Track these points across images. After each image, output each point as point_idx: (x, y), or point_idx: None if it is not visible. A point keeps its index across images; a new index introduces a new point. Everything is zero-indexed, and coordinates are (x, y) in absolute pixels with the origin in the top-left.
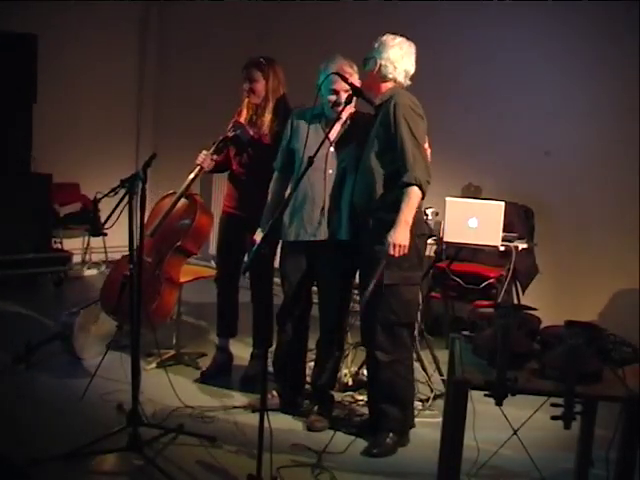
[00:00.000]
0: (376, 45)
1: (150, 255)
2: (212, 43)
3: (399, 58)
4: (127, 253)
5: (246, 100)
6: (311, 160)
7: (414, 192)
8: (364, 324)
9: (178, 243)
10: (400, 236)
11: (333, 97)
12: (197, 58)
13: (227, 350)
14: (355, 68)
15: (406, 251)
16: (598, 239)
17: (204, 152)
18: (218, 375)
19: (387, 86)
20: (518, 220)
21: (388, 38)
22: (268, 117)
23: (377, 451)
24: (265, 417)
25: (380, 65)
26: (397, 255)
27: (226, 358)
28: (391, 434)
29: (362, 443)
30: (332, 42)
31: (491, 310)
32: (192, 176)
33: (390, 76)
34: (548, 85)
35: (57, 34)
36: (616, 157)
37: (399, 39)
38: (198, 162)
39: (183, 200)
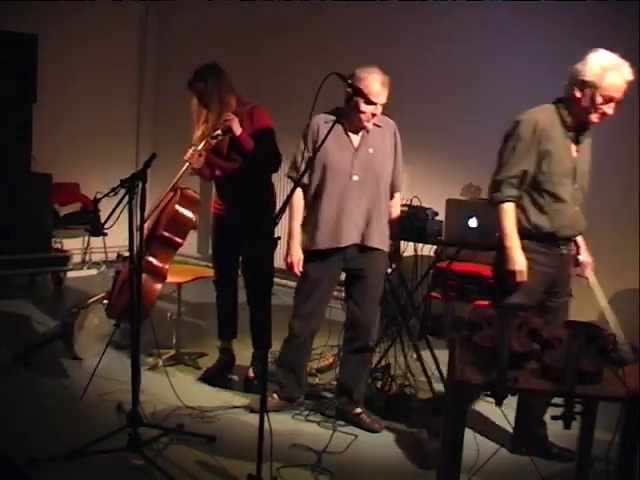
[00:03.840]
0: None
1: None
2: (212, 43)
3: None
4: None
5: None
6: (311, 160)
7: None
8: None
9: (157, 233)
10: None
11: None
12: (197, 57)
13: (230, 351)
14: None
15: None
16: (598, 239)
17: (192, 148)
18: (221, 375)
19: None
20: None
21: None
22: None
23: None
24: (265, 417)
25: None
26: None
27: (229, 359)
28: None
29: (362, 443)
30: (333, 43)
31: (491, 310)
32: (180, 172)
33: None
34: (548, 85)
35: (57, 34)
36: (616, 157)
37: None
38: (186, 158)
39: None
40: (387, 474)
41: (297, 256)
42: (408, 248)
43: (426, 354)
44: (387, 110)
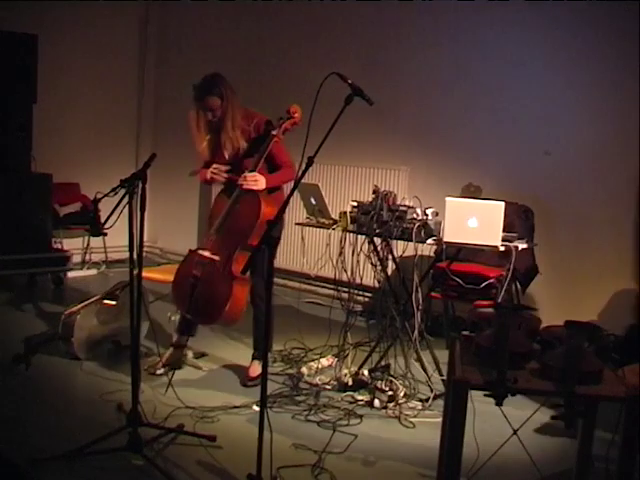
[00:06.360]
0: None
1: (218, 253)
2: (212, 43)
3: None
4: (195, 248)
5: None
6: (311, 160)
7: None
8: None
9: (247, 241)
10: None
11: None
12: (197, 58)
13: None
14: None
15: None
16: (598, 239)
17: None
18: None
19: None
20: (518, 220)
21: None
22: (238, 132)
23: None
24: (265, 417)
25: None
26: None
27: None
28: None
29: (362, 443)
30: (332, 43)
31: (491, 310)
32: (257, 162)
33: None
34: (548, 85)
35: (57, 34)
36: (616, 157)
37: None
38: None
39: (244, 195)
40: (387, 474)
41: None
42: (408, 248)
43: (426, 354)
44: (386, 110)
